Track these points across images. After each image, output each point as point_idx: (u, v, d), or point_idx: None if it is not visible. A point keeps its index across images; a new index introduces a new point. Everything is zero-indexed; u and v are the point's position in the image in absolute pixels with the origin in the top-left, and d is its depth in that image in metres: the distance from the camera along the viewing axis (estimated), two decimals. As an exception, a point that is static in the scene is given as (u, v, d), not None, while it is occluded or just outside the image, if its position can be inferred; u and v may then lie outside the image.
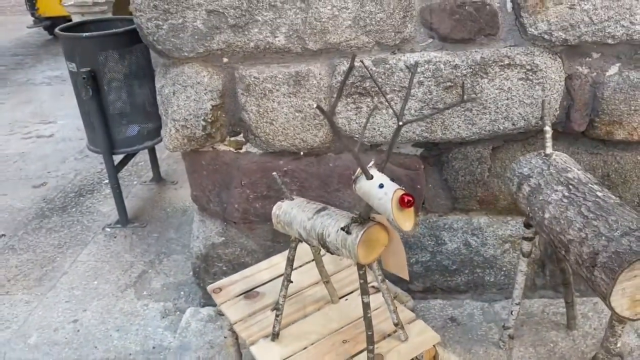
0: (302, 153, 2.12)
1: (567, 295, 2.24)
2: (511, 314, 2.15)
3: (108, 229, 3.45)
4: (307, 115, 1.99)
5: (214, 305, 2.10)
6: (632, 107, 1.90)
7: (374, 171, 1.55)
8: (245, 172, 2.29)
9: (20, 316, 2.62)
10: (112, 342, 2.54)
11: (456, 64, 1.86)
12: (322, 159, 2.15)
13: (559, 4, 1.76)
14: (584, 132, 2.05)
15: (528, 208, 1.82)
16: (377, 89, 1.88)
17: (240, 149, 2.22)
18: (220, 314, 2.02)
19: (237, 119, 2.11)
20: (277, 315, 1.81)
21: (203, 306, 2.74)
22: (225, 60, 1.85)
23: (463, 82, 1.92)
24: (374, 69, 1.89)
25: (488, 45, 1.87)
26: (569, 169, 1.74)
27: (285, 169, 2.18)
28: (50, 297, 2.75)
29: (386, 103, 1.87)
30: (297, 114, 2.01)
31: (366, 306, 1.64)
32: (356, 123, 1.97)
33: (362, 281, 1.63)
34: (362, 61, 1.81)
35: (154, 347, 2.50)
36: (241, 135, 2.19)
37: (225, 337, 2.04)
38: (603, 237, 1.42)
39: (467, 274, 2.60)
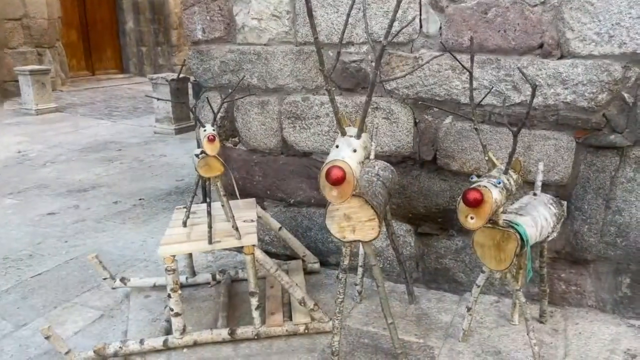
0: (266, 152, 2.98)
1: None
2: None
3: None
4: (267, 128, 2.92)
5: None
6: (460, 147, 2.43)
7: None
8: (236, 161, 2.97)
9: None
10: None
11: (346, 105, 2.62)
12: (277, 158, 2.93)
13: (402, 71, 2.44)
14: (433, 161, 2.52)
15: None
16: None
17: (235, 146, 3.05)
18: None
19: (234, 126, 3.01)
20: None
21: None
22: (229, 90, 2.74)
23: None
24: (302, 103, 2.74)
25: (363, 93, 2.58)
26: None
27: (256, 161, 3.00)
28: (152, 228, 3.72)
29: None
30: (262, 126, 2.92)
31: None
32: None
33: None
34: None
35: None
36: (236, 138, 3.04)
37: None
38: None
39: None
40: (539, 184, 2.14)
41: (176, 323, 2.17)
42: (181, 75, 6.54)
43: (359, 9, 2.40)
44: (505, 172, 1.75)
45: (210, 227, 2.13)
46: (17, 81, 8.51)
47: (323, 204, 2.02)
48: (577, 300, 2.41)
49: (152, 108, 7.38)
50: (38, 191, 4.58)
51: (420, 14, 2.30)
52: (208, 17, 2.83)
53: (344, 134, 1.70)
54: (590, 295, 2.38)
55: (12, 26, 9.47)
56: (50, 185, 4.73)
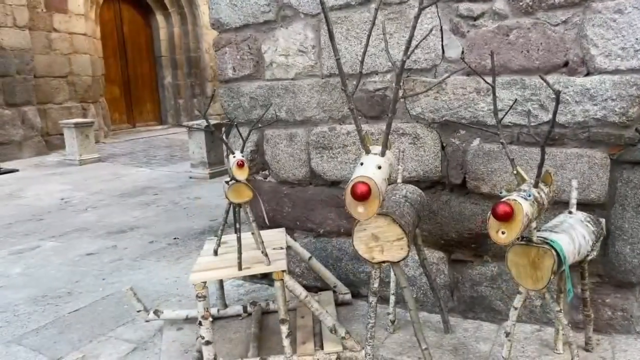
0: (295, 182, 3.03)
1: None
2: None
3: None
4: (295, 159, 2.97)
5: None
6: (489, 169, 2.39)
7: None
8: (266, 193, 3.07)
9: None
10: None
11: (372, 132, 2.64)
12: (306, 188, 2.97)
13: (427, 95, 2.46)
14: (463, 185, 2.49)
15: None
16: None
17: (265, 178, 3.15)
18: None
19: (263, 160, 3.10)
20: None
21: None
22: (259, 125, 2.86)
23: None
24: (329, 133, 2.79)
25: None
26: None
27: (285, 192, 3.05)
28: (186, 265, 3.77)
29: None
30: (290, 158, 2.98)
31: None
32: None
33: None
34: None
35: None
36: (266, 170, 3.13)
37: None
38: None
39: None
40: (573, 201, 2.08)
41: (207, 352, 2.15)
42: (214, 122, 6.80)
43: (382, 39, 2.47)
44: (536, 185, 1.72)
45: (240, 252, 2.15)
46: (62, 134, 8.98)
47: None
48: (624, 326, 2.27)
49: (188, 155, 7.62)
50: (78, 234, 4.73)
51: (442, 40, 2.35)
52: (238, 56, 2.96)
53: (368, 152, 1.71)
54: (638, 320, 2.24)
55: (58, 83, 10.11)
56: (90, 229, 4.89)
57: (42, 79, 9.79)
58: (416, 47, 1.77)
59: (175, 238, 4.40)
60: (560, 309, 1.89)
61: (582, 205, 2.14)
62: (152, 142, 11.22)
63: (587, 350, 2.18)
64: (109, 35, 12.21)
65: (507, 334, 2.08)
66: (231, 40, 2.96)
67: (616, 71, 2.07)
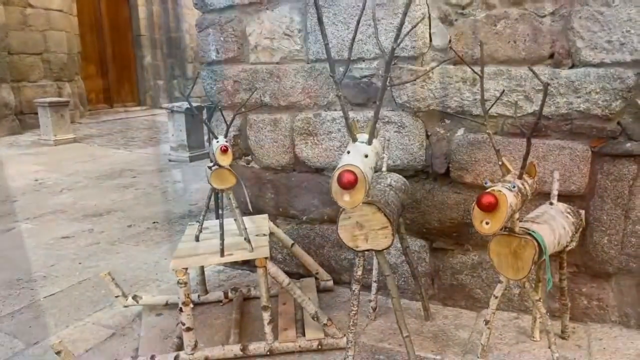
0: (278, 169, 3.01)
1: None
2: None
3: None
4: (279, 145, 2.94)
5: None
6: (473, 159, 2.41)
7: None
8: (248, 179, 3.03)
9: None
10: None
11: (358, 119, 2.62)
12: (289, 175, 2.95)
13: (413, 84, 2.44)
14: (446, 174, 2.50)
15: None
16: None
17: (248, 164, 3.11)
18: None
19: (246, 145, 3.06)
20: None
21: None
22: (242, 110, 2.83)
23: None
24: (314, 119, 2.76)
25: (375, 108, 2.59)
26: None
27: (269, 178, 3.03)
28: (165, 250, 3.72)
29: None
30: (274, 144, 2.95)
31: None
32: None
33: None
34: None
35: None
36: (249, 156, 3.08)
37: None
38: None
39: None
40: (555, 193, 2.11)
41: (187, 338, 2.13)
42: (196, 104, 6.68)
43: (369, 25, 2.44)
44: (520, 177, 1.73)
45: (222, 239, 2.12)
46: (36, 113, 8.72)
47: (336, 220, 2.00)
48: (600, 315, 2.33)
49: (167, 137, 7.50)
50: (54, 216, 4.62)
51: (430, 28, 2.33)
52: (222, 38, 2.90)
53: (355, 140, 1.70)
54: (613, 310, 2.30)
55: (32, 60, 9.78)
56: (65, 211, 4.78)
57: (16, 55, 9.46)
58: (407, 34, 1.74)
59: (154, 222, 4.33)
60: (540, 298, 1.93)
61: (563, 197, 2.17)
62: (130, 124, 11.01)
63: (563, 338, 2.24)
64: (85, 12, 11.83)
65: (487, 322, 2.11)
66: (215, 21, 2.89)
67: (601, 64, 2.08)
